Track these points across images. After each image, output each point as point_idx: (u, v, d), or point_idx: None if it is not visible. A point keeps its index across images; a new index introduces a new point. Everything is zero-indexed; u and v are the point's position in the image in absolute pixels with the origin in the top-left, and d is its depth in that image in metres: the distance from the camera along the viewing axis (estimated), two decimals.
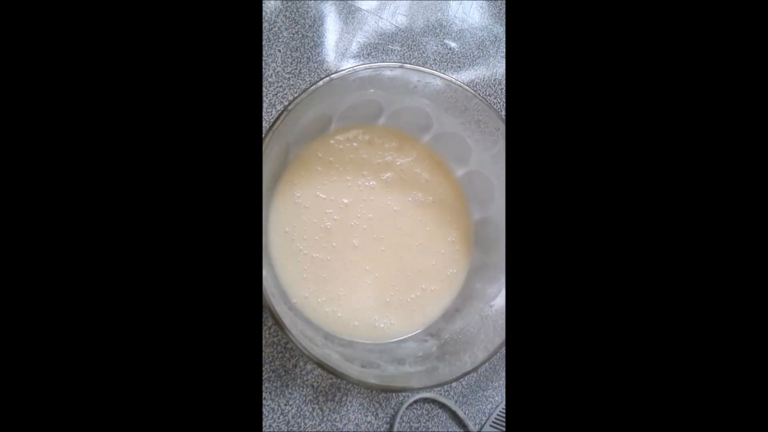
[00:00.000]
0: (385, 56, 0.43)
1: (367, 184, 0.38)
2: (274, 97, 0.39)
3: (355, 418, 0.36)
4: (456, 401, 0.39)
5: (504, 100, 0.47)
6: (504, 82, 0.47)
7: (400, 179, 0.38)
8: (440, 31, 0.46)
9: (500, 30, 0.48)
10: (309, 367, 0.36)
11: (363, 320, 0.36)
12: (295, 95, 0.30)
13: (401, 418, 0.37)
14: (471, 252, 0.40)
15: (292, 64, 0.40)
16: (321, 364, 0.29)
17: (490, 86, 0.47)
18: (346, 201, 0.37)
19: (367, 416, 0.37)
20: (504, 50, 0.48)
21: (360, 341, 0.36)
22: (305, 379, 0.36)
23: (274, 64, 0.40)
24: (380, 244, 0.37)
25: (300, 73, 0.40)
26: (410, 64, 0.35)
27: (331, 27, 0.42)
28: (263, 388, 0.35)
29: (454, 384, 0.40)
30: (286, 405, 0.35)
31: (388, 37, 0.44)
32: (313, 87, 0.30)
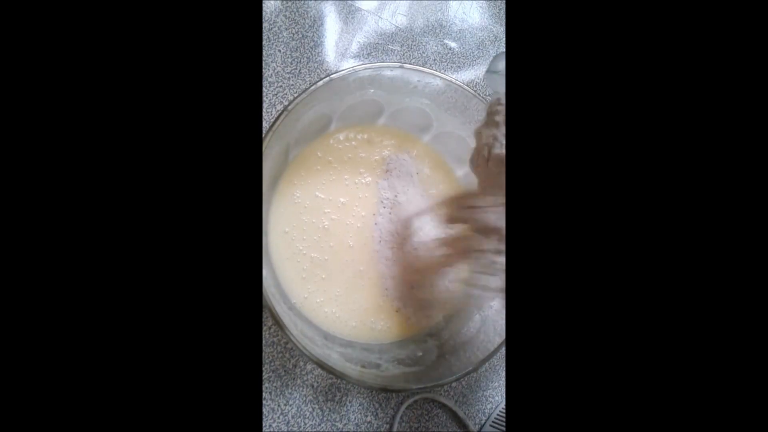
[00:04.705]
0: (385, 56, 0.43)
1: (363, 181, 0.38)
2: (274, 97, 0.39)
3: (355, 418, 0.36)
4: (456, 401, 0.39)
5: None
6: None
7: (397, 175, 0.38)
8: (440, 31, 0.46)
9: (500, 30, 0.48)
10: (309, 367, 0.36)
11: (360, 321, 0.36)
12: (295, 95, 0.30)
13: (401, 418, 0.37)
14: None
15: (292, 64, 0.40)
16: (321, 364, 0.29)
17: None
18: (343, 200, 0.37)
19: (367, 416, 0.37)
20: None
21: (359, 341, 0.36)
22: (305, 379, 0.36)
23: (274, 64, 0.40)
24: (373, 243, 0.37)
25: (300, 73, 0.40)
26: (410, 64, 0.35)
27: (331, 27, 0.42)
28: (263, 388, 0.35)
29: (454, 384, 0.40)
30: (286, 405, 0.35)
31: (388, 37, 0.44)
32: (313, 87, 0.30)
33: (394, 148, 0.39)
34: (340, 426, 0.36)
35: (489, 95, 0.46)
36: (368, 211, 0.37)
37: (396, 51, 0.44)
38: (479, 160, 0.27)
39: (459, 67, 0.46)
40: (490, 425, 0.39)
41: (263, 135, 0.29)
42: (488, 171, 0.27)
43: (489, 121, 0.26)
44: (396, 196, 0.38)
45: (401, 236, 0.37)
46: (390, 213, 0.37)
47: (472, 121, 0.36)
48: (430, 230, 0.38)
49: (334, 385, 0.36)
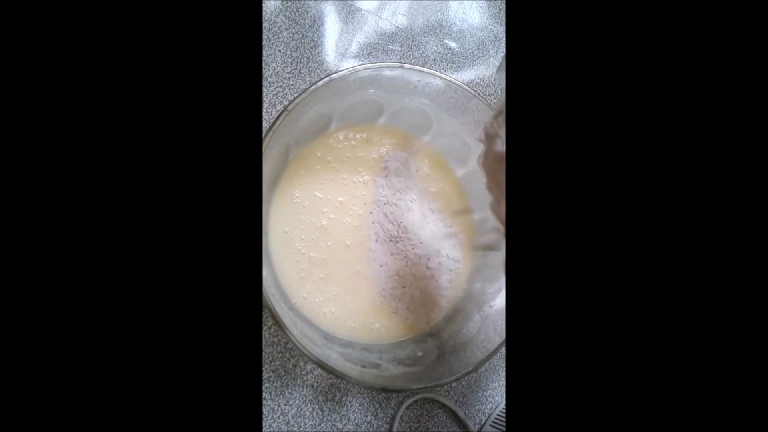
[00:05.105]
0: (385, 56, 0.43)
1: (360, 180, 0.38)
2: (274, 97, 0.39)
3: (355, 418, 0.36)
4: (456, 401, 0.39)
5: (497, 98, 0.47)
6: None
7: (396, 173, 0.38)
8: (440, 31, 0.46)
9: (500, 30, 0.48)
10: (309, 367, 0.36)
11: (359, 321, 0.36)
12: (295, 95, 0.30)
13: (401, 418, 0.37)
14: (472, 251, 0.40)
15: (292, 64, 0.40)
16: (321, 364, 0.29)
17: (490, 86, 0.47)
18: (340, 199, 0.37)
19: (367, 416, 0.37)
20: (504, 50, 0.48)
21: (359, 342, 0.36)
22: (305, 379, 0.36)
23: (274, 64, 0.40)
24: (370, 242, 0.37)
25: (300, 73, 0.40)
26: (410, 64, 0.35)
27: (331, 27, 0.42)
28: (263, 388, 0.35)
29: (454, 384, 0.40)
30: (286, 405, 0.35)
31: (388, 37, 0.44)
32: (313, 87, 0.30)
33: (393, 146, 0.39)
34: (340, 426, 0.36)
35: (494, 93, 0.46)
36: (365, 210, 0.37)
37: (396, 51, 0.44)
38: (484, 156, 0.27)
39: (459, 67, 0.46)
40: (490, 425, 0.39)
41: (263, 135, 0.29)
42: (490, 168, 0.27)
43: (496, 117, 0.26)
44: (394, 194, 0.38)
45: (400, 236, 0.37)
46: (386, 212, 0.37)
47: (472, 121, 0.36)
48: (429, 230, 0.38)
49: (334, 385, 0.36)
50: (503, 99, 0.27)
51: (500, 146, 0.26)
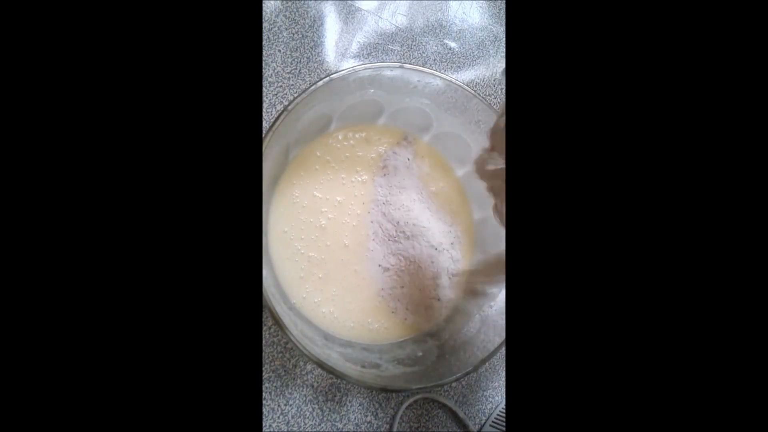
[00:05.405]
0: (385, 56, 0.43)
1: (359, 179, 0.38)
2: (274, 97, 0.39)
3: (355, 418, 0.36)
4: (456, 401, 0.39)
5: (504, 100, 0.47)
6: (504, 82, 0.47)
7: (394, 172, 0.38)
8: (440, 31, 0.46)
9: (500, 30, 0.48)
10: (309, 367, 0.36)
11: (358, 321, 0.36)
12: (295, 95, 0.30)
13: (401, 418, 0.37)
14: (471, 251, 0.40)
15: (292, 64, 0.40)
16: (321, 364, 0.29)
17: (490, 86, 0.47)
18: (339, 199, 0.37)
19: (367, 416, 0.37)
20: (504, 50, 0.48)
21: (358, 342, 0.36)
22: (305, 379, 0.36)
23: (274, 64, 0.40)
24: (368, 242, 0.37)
25: (300, 73, 0.40)
26: (410, 64, 0.35)
27: (331, 27, 0.42)
28: (263, 388, 0.35)
29: (454, 384, 0.40)
30: (286, 405, 0.35)
31: (388, 37, 0.44)
32: (313, 87, 0.30)
33: (392, 146, 0.39)
34: (340, 426, 0.36)
35: (494, 93, 0.46)
36: (363, 210, 0.37)
37: (396, 51, 0.44)
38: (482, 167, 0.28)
39: (459, 67, 0.46)
40: (490, 425, 0.39)
41: (263, 135, 0.29)
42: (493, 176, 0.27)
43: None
44: (392, 193, 0.38)
45: (398, 236, 0.37)
46: (384, 212, 0.37)
47: (472, 121, 0.36)
48: (428, 230, 0.38)
49: (334, 385, 0.37)
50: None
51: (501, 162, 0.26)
